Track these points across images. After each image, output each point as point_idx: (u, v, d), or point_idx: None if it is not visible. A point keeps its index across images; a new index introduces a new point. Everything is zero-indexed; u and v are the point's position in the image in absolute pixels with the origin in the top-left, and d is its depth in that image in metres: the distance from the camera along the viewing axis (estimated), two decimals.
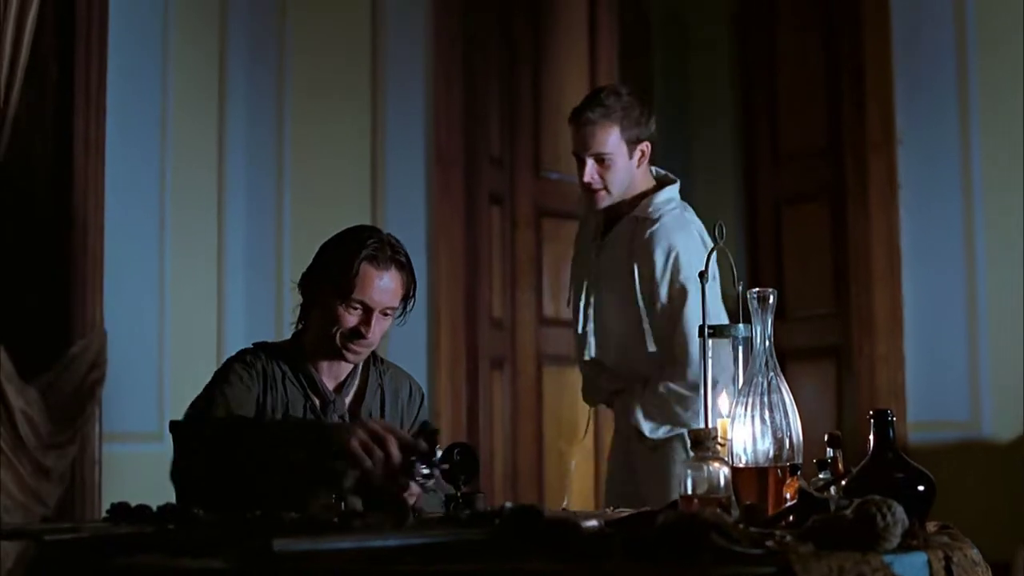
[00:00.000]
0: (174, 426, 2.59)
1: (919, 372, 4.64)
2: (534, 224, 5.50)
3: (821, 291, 5.06)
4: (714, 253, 2.34)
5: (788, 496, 1.94)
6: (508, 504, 1.68)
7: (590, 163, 3.18)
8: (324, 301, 2.60)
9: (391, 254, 2.60)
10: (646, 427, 3.21)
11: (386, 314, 2.60)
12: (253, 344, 2.69)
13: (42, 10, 3.97)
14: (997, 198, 4.63)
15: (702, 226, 3.26)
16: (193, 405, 2.57)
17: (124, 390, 4.30)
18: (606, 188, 3.22)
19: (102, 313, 4.19)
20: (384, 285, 2.57)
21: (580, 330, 3.35)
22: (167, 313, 4.58)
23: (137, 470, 3.99)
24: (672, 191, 3.28)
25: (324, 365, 2.65)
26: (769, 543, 1.50)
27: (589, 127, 3.16)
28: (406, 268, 2.63)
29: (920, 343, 4.69)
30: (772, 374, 2.03)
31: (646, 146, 3.22)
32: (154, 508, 2.03)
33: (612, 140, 3.17)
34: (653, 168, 3.33)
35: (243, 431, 2.44)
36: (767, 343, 2.04)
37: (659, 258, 3.13)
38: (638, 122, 3.19)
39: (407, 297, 2.64)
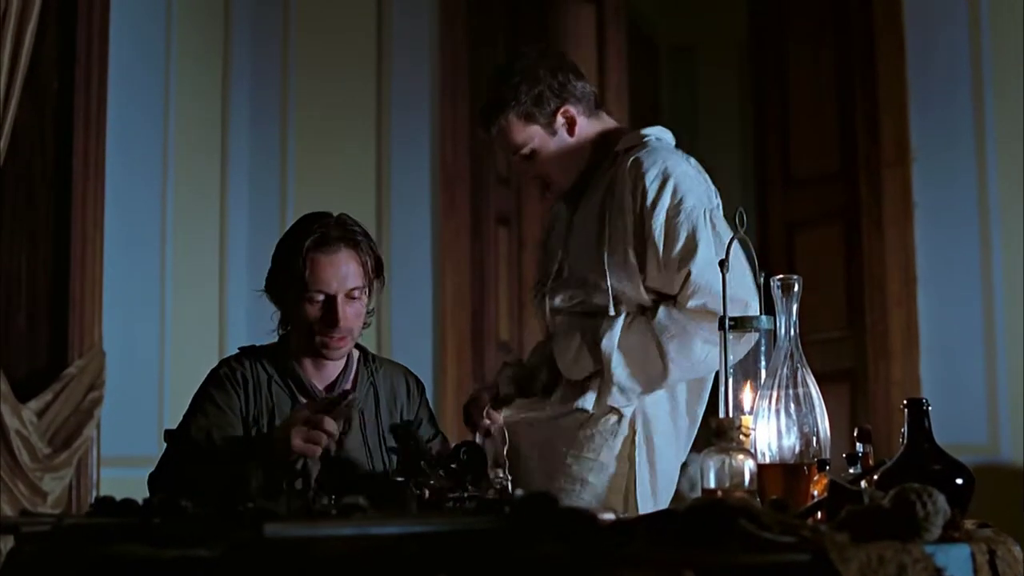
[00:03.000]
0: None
1: (936, 395, 4.48)
2: None
3: (835, 314, 4.95)
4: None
5: (816, 494, 1.83)
6: (519, 492, 1.58)
7: (518, 161, 2.66)
8: (289, 302, 2.53)
9: (339, 234, 2.50)
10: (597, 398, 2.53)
11: (352, 296, 2.50)
12: (239, 349, 2.61)
13: (42, 22, 3.92)
14: (1014, 216, 4.53)
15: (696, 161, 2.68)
16: (173, 435, 2.50)
17: (123, 413, 4.20)
18: (548, 179, 2.69)
19: (101, 333, 4.12)
20: (337, 269, 2.47)
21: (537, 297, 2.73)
22: (167, 334, 4.50)
23: (136, 495, 3.89)
24: (647, 130, 2.67)
25: (311, 366, 2.57)
26: (803, 532, 1.38)
27: (492, 132, 2.63)
28: (360, 244, 2.51)
29: (937, 366, 4.59)
30: (798, 366, 1.92)
31: (566, 111, 2.63)
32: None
33: (518, 134, 2.62)
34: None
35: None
36: (792, 332, 1.94)
37: (651, 182, 2.50)
38: (539, 96, 2.59)
39: (372, 273, 2.54)
